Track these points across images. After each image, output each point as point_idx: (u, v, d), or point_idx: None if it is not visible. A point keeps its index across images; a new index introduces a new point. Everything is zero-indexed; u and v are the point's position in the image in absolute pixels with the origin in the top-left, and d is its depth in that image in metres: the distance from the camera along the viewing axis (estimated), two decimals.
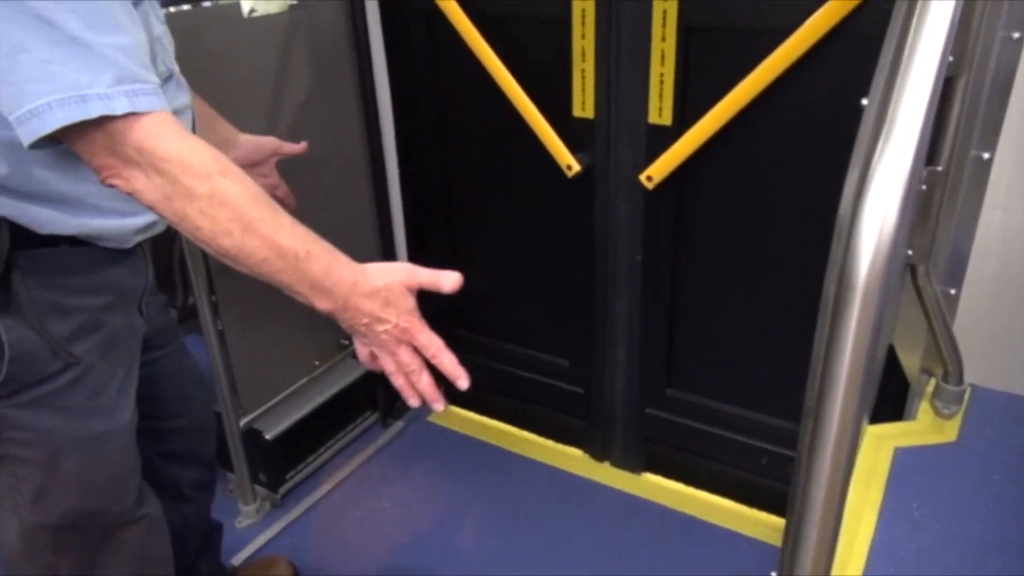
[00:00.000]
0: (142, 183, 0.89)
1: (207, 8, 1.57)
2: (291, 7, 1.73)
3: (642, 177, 1.69)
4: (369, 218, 2.05)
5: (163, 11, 1.13)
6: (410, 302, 1.00)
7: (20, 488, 1.11)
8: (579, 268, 1.91)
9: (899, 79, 0.60)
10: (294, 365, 1.99)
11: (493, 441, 2.25)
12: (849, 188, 0.61)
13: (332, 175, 1.90)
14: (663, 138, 1.66)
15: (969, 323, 1.53)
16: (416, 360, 1.01)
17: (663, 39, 1.57)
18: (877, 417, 1.51)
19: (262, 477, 1.98)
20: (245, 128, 1.51)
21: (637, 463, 2.09)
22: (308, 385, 2.04)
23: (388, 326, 0.98)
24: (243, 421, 1.87)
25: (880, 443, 1.39)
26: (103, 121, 0.85)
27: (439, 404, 1.04)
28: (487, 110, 1.84)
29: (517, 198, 1.95)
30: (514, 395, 2.23)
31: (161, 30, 1.09)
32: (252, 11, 1.65)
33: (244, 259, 0.92)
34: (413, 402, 1.03)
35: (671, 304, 1.85)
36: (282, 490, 2.01)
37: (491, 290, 2.14)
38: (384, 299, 0.97)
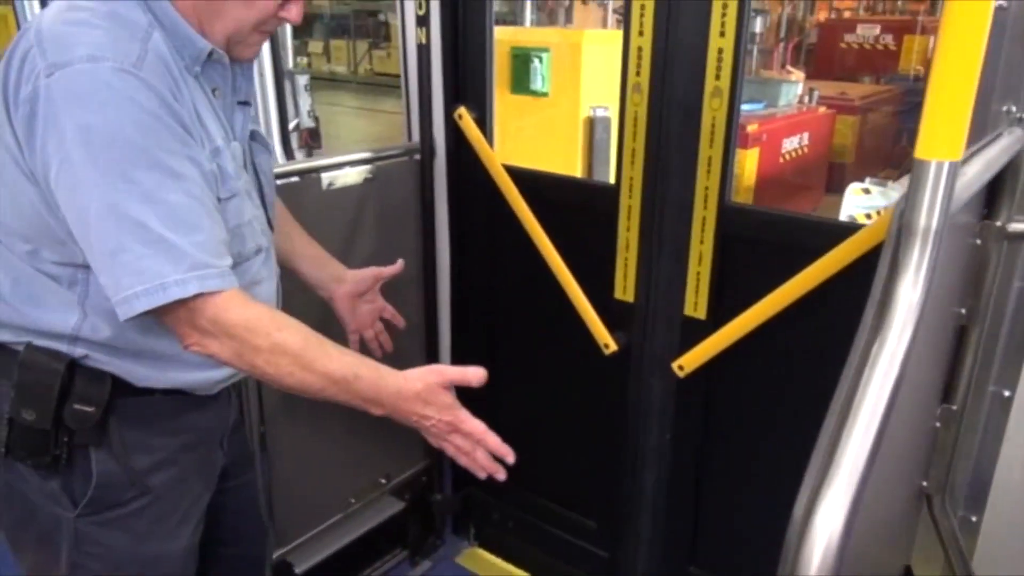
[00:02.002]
0: (216, 347, 1.10)
1: (292, 182, 1.77)
2: (366, 179, 1.92)
3: (674, 365, 1.76)
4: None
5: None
6: (447, 398, 1.19)
7: None
8: (611, 438, 1.97)
9: (852, 408, 0.67)
10: (330, 501, 2.09)
11: None
12: (802, 498, 0.68)
13: (389, 325, 2.04)
14: (697, 330, 1.74)
15: (991, 549, 1.52)
16: (468, 442, 1.21)
17: (701, 242, 1.68)
18: None
19: None
20: None
21: None
22: (342, 521, 2.13)
23: (432, 422, 1.18)
24: (276, 554, 1.96)
25: None
26: (181, 300, 1.05)
27: (500, 474, 1.23)
28: (535, 281, 1.96)
29: (556, 365, 2.05)
30: (541, 547, 2.26)
31: (253, 215, 1.27)
32: (331, 184, 1.84)
33: (306, 390, 1.13)
34: (480, 474, 1.23)
35: (698, 484, 1.89)
36: None
37: (527, 444, 2.19)
38: (424, 400, 1.16)
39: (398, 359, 2.09)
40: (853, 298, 1.53)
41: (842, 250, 1.47)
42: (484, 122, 1.95)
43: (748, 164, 6.09)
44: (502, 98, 5.50)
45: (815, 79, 8.64)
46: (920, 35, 9.60)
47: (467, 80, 1.94)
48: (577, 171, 5.55)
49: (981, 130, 0.98)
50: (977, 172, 0.89)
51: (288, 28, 3.95)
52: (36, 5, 2.71)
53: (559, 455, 2.15)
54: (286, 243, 1.53)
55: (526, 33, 6.06)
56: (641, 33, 1.63)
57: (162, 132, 1.04)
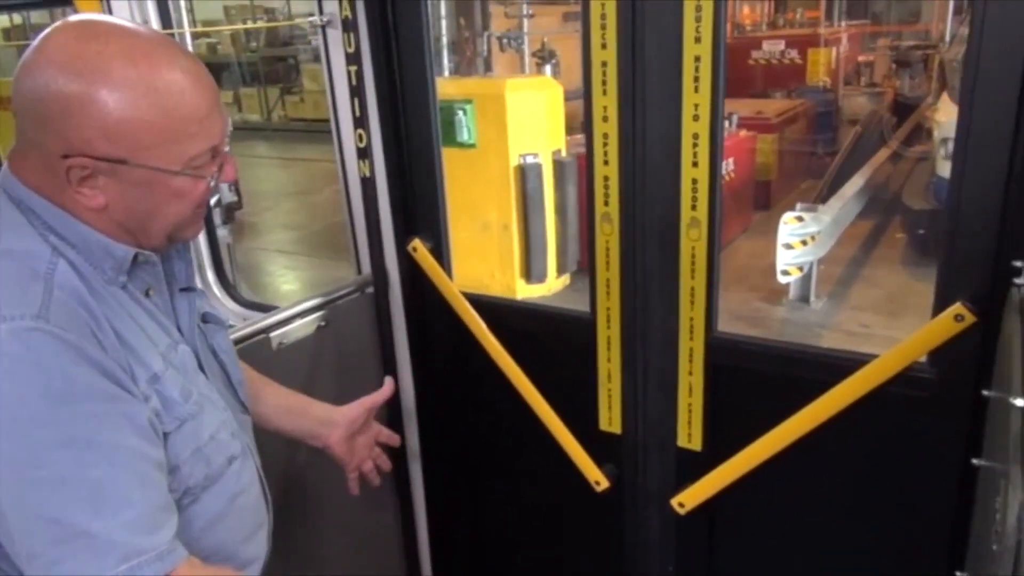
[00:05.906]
0: None
1: (241, 347, 1.59)
2: (319, 327, 1.76)
3: (674, 503, 1.65)
4: (393, 529, 2.02)
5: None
6: None
7: None
8: (610, 573, 1.85)
9: None
10: None
11: None
12: None
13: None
14: (694, 462, 1.64)
15: None
16: None
17: (690, 374, 1.58)
18: None
19: None
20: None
21: None
22: None
23: None
24: None
25: None
26: None
27: None
28: (511, 415, 1.81)
29: (545, 502, 1.92)
30: None
31: (219, 423, 1.11)
32: (281, 343, 1.67)
33: None
34: None
35: None
36: None
37: None
38: None
39: (369, 517, 1.92)
40: (860, 431, 1.46)
41: (847, 387, 1.39)
42: (440, 252, 1.81)
43: None
44: None
45: (728, 98, 8.80)
46: (824, 48, 9.93)
47: (419, 210, 1.80)
48: (512, 221, 5.49)
49: None
50: None
51: None
52: None
53: None
54: (258, 406, 1.36)
55: (448, 84, 5.96)
56: (606, 162, 1.53)
57: (78, 396, 0.89)
